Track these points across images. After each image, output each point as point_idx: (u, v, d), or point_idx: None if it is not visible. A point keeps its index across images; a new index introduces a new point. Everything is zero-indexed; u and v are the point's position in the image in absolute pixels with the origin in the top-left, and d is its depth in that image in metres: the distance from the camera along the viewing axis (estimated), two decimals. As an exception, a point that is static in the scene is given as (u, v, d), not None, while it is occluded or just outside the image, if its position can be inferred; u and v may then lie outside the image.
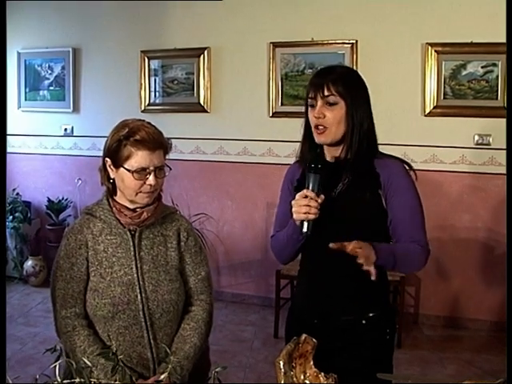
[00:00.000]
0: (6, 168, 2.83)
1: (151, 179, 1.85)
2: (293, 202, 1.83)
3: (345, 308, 1.97)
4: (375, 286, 1.96)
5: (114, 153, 1.87)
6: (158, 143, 1.86)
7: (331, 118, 1.89)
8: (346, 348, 1.96)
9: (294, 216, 1.82)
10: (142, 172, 1.85)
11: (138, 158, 1.84)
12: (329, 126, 1.89)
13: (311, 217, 1.78)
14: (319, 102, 1.90)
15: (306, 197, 1.79)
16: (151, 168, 1.85)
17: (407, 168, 1.98)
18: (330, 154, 1.99)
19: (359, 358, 1.94)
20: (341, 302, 1.97)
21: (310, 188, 1.81)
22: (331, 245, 1.77)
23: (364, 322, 1.96)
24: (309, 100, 1.94)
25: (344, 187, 1.93)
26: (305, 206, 1.78)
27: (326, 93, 1.88)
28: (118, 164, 1.87)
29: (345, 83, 1.90)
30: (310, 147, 2.01)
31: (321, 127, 1.90)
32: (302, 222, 1.81)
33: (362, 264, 1.76)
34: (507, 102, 4.21)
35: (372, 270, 1.78)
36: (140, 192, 1.88)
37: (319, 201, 1.79)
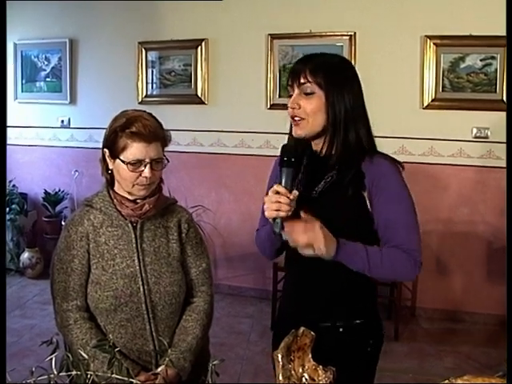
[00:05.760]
0: (6, 162, 2.80)
1: (147, 171, 1.83)
2: (265, 199, 1.66)
3: (323, 314, 1.82)
4: (358, 291, 1.84)
5: (111, 144, 1.85)
6: (154, 135, 1.83)
7: (307, 108, 1.73)
8: (321, 357, 1.66)
9: (266, 213, 1.65)
10: (137, 164, 1.82)
11: (133, 150, 1.81)
12: (305, 117, 1.74)
13: (282, 214, 1.61)
14: (296, 91, 1.75)
15: (278, 193, 1.63)
16: (147, 160, 1.82)
17: (400, 169, 1.78)
18: (314, 148, 1.84)
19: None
20: (318, 308, 1.83)
21: (282, 183, 1.64)
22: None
23: (341, 329, 1.81)
24: (288, 88, 1.80)
25: (326, 185, 1.78)
26: (275, 203, 1.61)
27: (302, 80, 1.73)
28: (114, 155, 1.86)
29: (326, 71, 1.73)
30: (294, 140, 1.84)
31: (296, 118, 1.76)
32: (274, 220, 1.65)
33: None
34: (507, 98, 4.20)
35: (306, 252, 1.65)
36: (136, 184, 1.86)
37: (291, 197, 1.62)
